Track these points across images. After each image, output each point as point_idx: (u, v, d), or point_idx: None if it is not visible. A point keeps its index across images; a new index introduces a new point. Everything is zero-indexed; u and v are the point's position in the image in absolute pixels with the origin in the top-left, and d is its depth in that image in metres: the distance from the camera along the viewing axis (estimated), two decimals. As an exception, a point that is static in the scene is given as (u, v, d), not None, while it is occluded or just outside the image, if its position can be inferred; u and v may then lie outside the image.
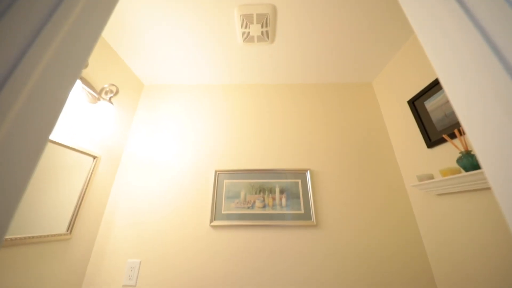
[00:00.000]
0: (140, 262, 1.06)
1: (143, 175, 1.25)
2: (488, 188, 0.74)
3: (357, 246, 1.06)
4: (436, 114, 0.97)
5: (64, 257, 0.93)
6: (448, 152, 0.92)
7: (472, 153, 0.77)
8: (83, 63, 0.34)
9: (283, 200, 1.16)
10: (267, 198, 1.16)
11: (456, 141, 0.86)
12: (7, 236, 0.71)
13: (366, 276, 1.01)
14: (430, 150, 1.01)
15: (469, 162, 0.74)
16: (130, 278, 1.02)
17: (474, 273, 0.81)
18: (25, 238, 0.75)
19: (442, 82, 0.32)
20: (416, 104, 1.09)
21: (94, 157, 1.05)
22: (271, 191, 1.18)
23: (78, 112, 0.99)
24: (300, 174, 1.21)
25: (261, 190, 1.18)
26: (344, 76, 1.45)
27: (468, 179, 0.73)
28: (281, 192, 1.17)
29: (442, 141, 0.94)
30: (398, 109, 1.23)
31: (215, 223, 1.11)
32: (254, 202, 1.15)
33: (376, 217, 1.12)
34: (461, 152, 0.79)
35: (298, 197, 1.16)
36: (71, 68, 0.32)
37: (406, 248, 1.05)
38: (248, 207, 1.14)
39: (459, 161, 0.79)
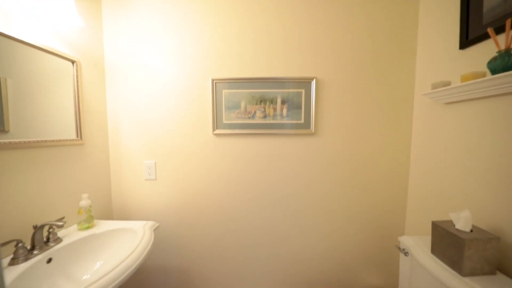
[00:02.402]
0: (155, 163, 1.20)
1: (134, 84, 1.16)
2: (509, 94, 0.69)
3: (348, 152, 1.16)
4: (493, -1, 0.74)
5: (84, 159, 1.04)
6: (481, 55, 0.78)
7: (513, 51, 0.65)
8: None
9: (284, 110, 1.14)
10: (268, 108, 1.14)
11: (500, 37, 0.71)
12: (22, 139, 0.75)
13: (352, 177, 1.17)
14: (461, 52, 0.87)
15: (503, 62, 0.63)
16: (149, 174, 1.20)
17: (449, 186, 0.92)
18: (38, 141, 0.80)
19: None
20: (471, -16, 0.82)
21: (73, 62, 0.93)
22: (272, 101, 1.14)
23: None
24: (304, 83, 1.12)
25: (262, 100, 1.14)
26: None
27: (492, 83, 0.66)
28: (283, 102, 1.14)
29: (481, 39, 0.78)
30: (442, -5, 0.95)
31: (217, 131, 1.15)
32: (255, 112, 1.15)
33: (373, 127, 1.14)
34: (498, 51, 0.67)
35: (300, 108, 1.14)
36: None
37: (393, 159, 1.15)
38: (249, 117, 1.15)
39: (491, 62, 0.68)
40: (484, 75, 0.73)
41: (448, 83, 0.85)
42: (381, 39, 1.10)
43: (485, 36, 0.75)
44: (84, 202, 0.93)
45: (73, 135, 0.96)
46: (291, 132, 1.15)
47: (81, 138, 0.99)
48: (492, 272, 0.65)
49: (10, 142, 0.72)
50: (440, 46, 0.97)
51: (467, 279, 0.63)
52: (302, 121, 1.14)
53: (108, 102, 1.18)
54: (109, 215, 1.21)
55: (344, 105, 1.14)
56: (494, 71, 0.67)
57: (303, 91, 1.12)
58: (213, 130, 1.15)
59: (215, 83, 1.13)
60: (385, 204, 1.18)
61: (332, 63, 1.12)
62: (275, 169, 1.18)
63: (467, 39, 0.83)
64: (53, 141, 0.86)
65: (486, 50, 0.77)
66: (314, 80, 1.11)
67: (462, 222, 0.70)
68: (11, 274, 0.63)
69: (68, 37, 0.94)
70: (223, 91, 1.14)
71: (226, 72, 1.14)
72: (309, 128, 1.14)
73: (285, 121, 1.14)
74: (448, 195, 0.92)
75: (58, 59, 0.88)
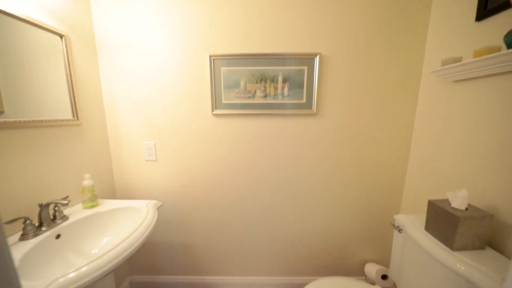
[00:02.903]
0: (155, 144, 1.19)
1: (128, 62, 1.10)
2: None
3: (350, 132, 1.14)
4: (520, -40, 0.66)
5: (83, 140, 1.04)
6: (498, 27, 0.73)
7: (534, 22, 0.60)
8: None
9: (285, 89, 1.10)
10: (268, 87, 1.10)
11: (523, 6, 0.65)
12: (17, 119, 0.74)
13: (353, 158, 1.17)
14: (476, 24, 0.80)
15: (523, 35, 0.59)
16: (150, 155, 1.21)
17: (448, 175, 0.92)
18: (34, 121, 0.79)
19: None
20: None
21: (61, 36, 0.87)
22: (273, 80, 1.09)
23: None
24: (307, 60, 1.06)
25: (262, 79, 1.09)
26: None
27: (508, 57, 0.61)
28: (284, 81, 1.09)
29: (500, 9, 0.72)
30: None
31: (216, 111, 1.13)
32: (255, 91, 1.11)
33: (377, 107, 1.11)
34: (518, 23, 0.62)
35: (302, 87, 1.10)
36: None
37: (395, 140, 1.14)
38: (249, 97, 1.11)
39: (508, 34, 0.63)
40: (499, 49, 0.68)
41: (459, 59, 0.81)
42: (391, 12, 1.02)
43: (506, 6, 0.69)
44: (87, 182, 0.95)
45: (69, 115, 0.94)
46: (292, 113, 1.12)
47: (77, 118, 0.97)
48: (481, 247, 0.68)
49: (5, 122, 0.70)
50: (455, 18, 0.89)
51: (456, 253, 0.66)
52: (304, 100, 1.11)
53: (102, 79, 1.13)
54: (112, 196, 1.24)
55: (347, 83, 1.09)
56: (510, 45, 0.63)
57: (305, 68, 1.07)
58: (212, 110, 1.13)
59: (213, 59, 1.07)
60: (385, 185, 1.20)
61: (338, 37, 1.05)
62: (275, 151, 1.18)
63: (485, 9, 0.76)
64: (49, 121, 0.84)
65: (504, 22, 0.71)
66: (317, 56, 1.05)
67: (459, 200, 0.71)
68: (23, 248, 0.66)
69: (53, 8, 0.87)
70: (222, 68, 1.09)
71: (225, 48, 1.07)
72: (311, 108, 1.11)
73: (286, 101, 1.11)
74: (447, 175, 0.93)
75: (45, 33, 0.83)
